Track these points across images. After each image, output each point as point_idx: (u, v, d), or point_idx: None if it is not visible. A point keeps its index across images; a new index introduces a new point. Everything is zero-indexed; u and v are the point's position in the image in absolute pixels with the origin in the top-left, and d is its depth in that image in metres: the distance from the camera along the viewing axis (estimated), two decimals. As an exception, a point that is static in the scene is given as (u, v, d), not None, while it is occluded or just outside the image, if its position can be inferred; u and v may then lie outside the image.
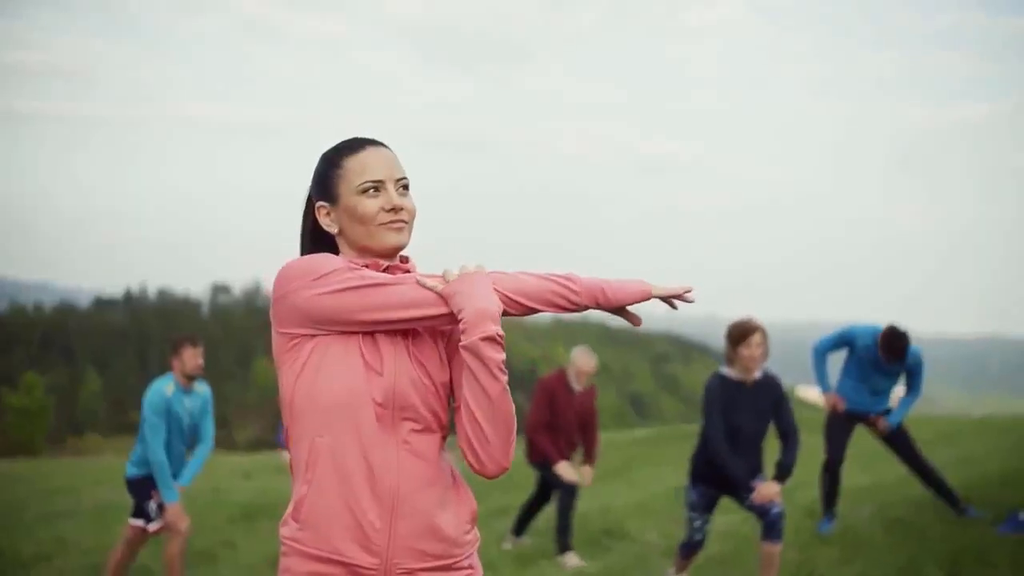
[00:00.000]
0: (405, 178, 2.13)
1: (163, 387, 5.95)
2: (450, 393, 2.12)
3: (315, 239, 2.20)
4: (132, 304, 79.43)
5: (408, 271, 2.14)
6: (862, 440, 7.72)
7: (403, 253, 2.17)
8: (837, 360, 7.00)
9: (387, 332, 2.05)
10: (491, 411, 2.00)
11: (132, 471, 6.06)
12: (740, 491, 5.18)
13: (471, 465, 2.05)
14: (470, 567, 2.11)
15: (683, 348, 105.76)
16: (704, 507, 5.42)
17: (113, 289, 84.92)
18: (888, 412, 6.86)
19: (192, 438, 6.16)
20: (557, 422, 6.92)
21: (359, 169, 2.10)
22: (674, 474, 12.18)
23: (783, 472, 5.17)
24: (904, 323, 6.66)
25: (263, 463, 19.31)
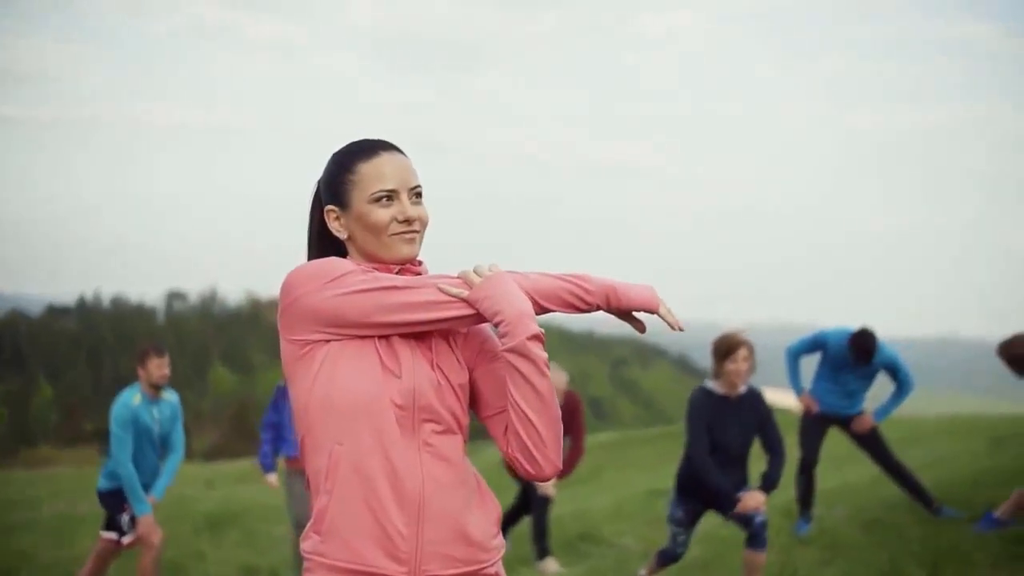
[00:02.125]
0: (419, 186, 2.08)
1: (129, 399, 5.83)
2: (468, 396, 2.07)
3: (323, 242, 2.14)
4: (85, 311, 78.22)
5: (419, 274, 2.09)
6: (833, 442, 7.74)
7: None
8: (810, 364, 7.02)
9: (403, 335, 1.99)
10: (543, 410, 1.96)
11: (104, 484, 5.93)
12: (724, 504, 5.13)
13: (526, 471, 2.01)
14: (496, 574, 2.05)
15: (641, 352, 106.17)
16: (689, 522, 5.37)
17: (66, 296, 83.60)
18: (862, 414, 6.88)
19: (164, 448, 6.04)
20: None
21: (373, 176, 2.04)
22: (642, 477, 12.19)
23: (768, 484, 5.14)
24: (855, 324, 6.72)
25: (224, 472, 19.09)
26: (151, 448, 5.91)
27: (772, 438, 5.22)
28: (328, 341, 1.96)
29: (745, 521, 5.11)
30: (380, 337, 1.97)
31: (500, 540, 2.08)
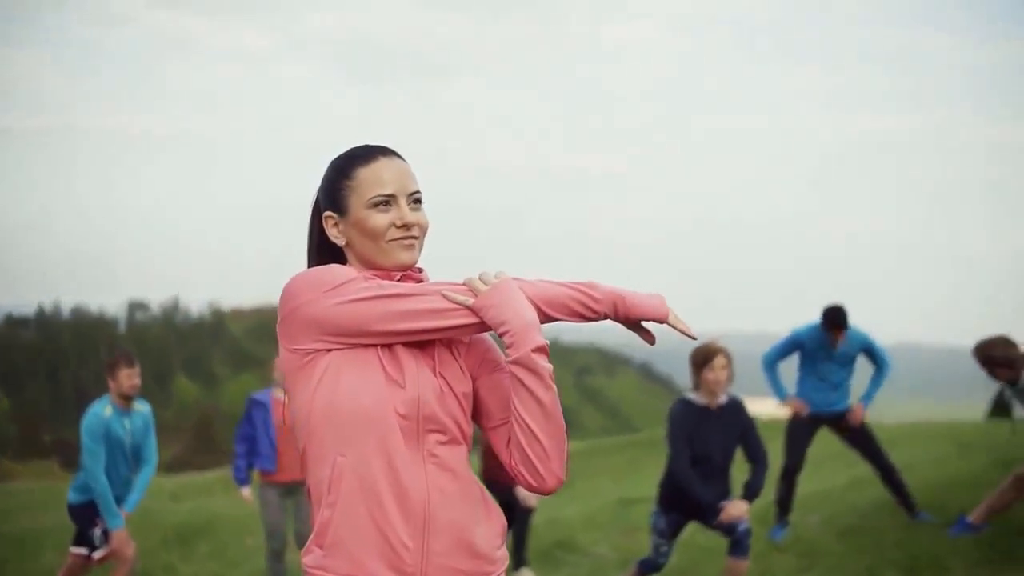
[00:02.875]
0: (418, 192, 2.05)
1: (100, 410, 5.72)
2: (471, 406, 2.04)
3: (322, 250, 2.10)
4: (44, 322, 77.14)
5: (420, 281, 2.05)
6: (820, 446, 7.78)
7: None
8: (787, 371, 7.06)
9: (406, 343, 1.96)
10: (548, 423, 1.94)
11: (75, 497, 5.82)
12: (708, 515, 5.12)
13: (528, 483, 1.98)
14: None
15: (606, 360, 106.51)
16: (672, 534, 5.35)
17: (24, 307, 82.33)
18: (850, 410, 6.90)
19: (135, 460, 5.94)
20: None
21: (371, 181, 2.01)
22: (613, 486, 12.19)
23: (751, 493, 5.14)
24: None
25: (189, 484, 18.86)
26: (123, 460, 5.81)
27: (754, 447, 5.22)
28: (330, 350, 1.93)
29: (728, 529, 5.10)
30: (383, 346, 1.94)
31: (504, 552, 2.05)
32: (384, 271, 2.02)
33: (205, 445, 44.27)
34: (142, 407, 5.96)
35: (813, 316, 6.89)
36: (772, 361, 6.95)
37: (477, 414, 2.05)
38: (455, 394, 1.98)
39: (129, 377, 5.78)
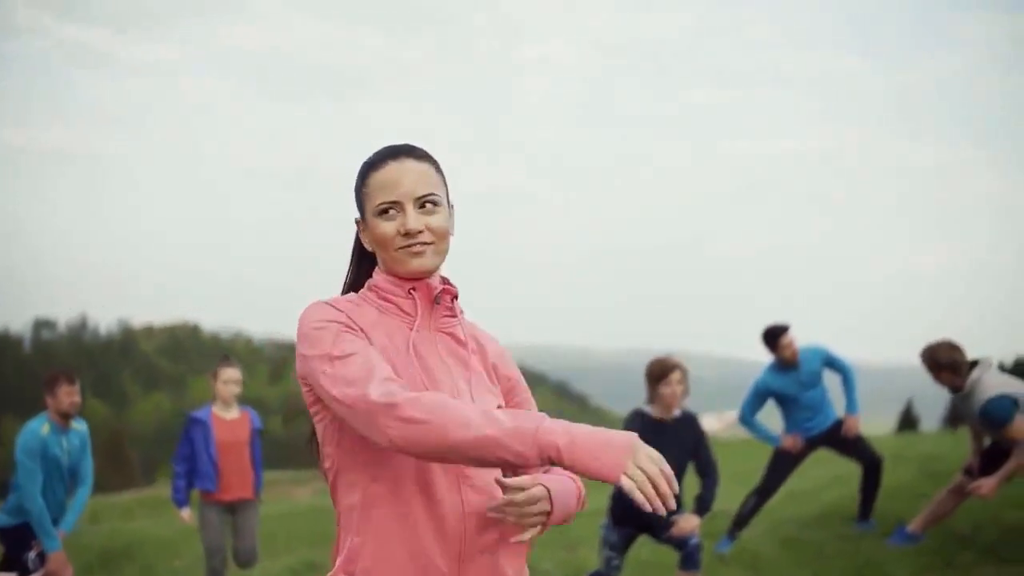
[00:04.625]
0: (431, 194, 1.94)
1: (38, 428, 5.51)
2: None
3: (361, 256, 2.06)
4: (-56, 341, 74.38)
5: (442, 293, 1.98)
6: (749, 461, 7.88)
7: (443, 275, 2.02)
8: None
9: (440, 366, 1.92)
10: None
11: (6, 520, 5.59)
12: (659, 528, 5.14)
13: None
14: None
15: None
16: (623, 546, 5.37)
17: (-77, 326, 79.20)
18: (840, 423, 7.00)
19: (72, 480, 5.74)
20: None
21: (378, 187, 1.94)
22: (546, 502, 12.16)
23: (703, 507, 5.19)
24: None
25: (106, 505, 18.40)
26: (59, 480, 5.61)
27: (706, 461, 5.26)
28: None
29: (679, 544, 5.13)
30: (417, 364, 1.88)
31: (526, 572, 2.01)
32: (401, 279, 1.96)
33: (117, 467, 43.02)
34: (79, 426, 5.78)
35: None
36: (749, 417, 7.05)
37: None
38: None
39: (69, 395, 5.58)
